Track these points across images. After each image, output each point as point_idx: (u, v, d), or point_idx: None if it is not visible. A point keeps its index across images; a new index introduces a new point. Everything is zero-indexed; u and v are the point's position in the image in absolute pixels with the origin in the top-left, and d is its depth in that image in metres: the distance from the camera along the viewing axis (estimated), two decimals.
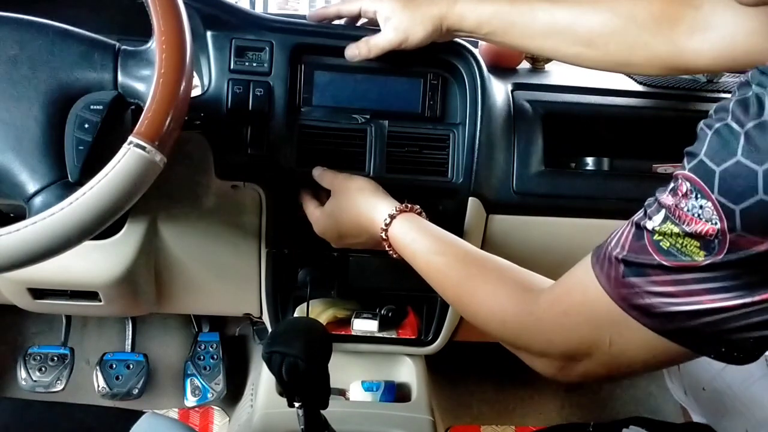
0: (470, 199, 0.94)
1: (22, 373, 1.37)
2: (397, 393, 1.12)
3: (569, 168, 1.02)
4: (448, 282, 0.72)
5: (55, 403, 0.91)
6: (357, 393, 1.10)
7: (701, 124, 0.49)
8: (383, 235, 0.78)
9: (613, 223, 0.99)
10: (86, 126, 0.66)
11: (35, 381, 1.36)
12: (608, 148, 1.03)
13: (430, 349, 1.08)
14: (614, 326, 0.53)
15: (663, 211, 0.49)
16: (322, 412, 0.74)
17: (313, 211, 0.89)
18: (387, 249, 0.79)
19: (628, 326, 0.52)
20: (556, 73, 1.12)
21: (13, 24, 0.69)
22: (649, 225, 0.50)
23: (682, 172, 0.48)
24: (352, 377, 1.12)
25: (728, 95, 1.06)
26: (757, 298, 0.46)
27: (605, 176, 1.01)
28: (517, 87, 1.00)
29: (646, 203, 0.53)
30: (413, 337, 1.08)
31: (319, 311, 1.06)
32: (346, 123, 0.92)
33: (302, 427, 0.73)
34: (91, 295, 1.01)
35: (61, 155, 0.66)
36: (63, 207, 0.60)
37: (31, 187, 0.65)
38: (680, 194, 0.48)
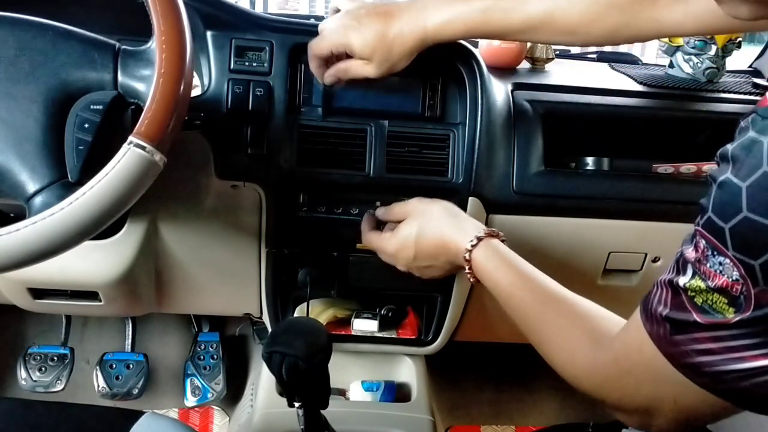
0: (470, 199, 0.94)
1: (22, 373, 1.37)
2: (397, 393, 1.12)
3: (569, 168, 1.03)
4: (526, 321, 0.71)
5: (54, 403, 0.91)
6: (357, 393, 1.10)
7: (708, 174, 0.48)
8: (467, 256, 0.77)
9: (612, 223, 1.00)
10: (86, 126, 0.66)
11: (35, 381, 1.36)
12: (608, 148, 1.03)
13: (430, 349, 1.08)
14: (674, 385, 0.52)
15: (690, 267, 0.48)
16: (322, 412, 0.74)
17: (377, 238, 0.87)
18: (466, 271, 0.78)
19: (686, 385, 0.50)
20: (556, 73, 1.12)
21: (13, 24, 0.69)
22: (681, 282, 0.49)
23: (698, 228, 0.48)
24: (352, 377, 1.12)
25: (728, 95, 1.07)
26: None
27: (605, 176, 1.01)
28: (517, 87, 1.00)
29: (676, 256, 0.51)
30: (413, 337, 1.08)
31: (319, 311, 1.06)
32: (346, 123, 0.92)
33: (302, 427, 0.73)
34: (91, 295, 1.01)
35: (61, 155, 0.66)
36: (63, 207, 0.60)
37: (31, 186, 0.65)
38: (700, 250, 0.47)
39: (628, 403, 0.58)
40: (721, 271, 0.45)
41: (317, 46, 0.86)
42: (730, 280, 0.45)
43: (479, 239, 0.76)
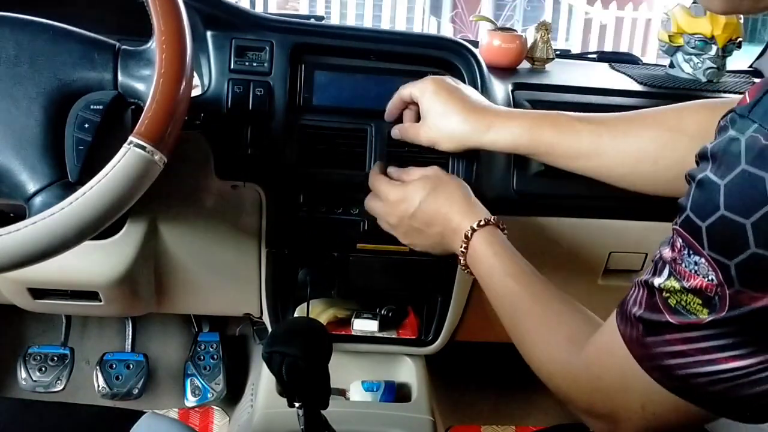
0: None
1: (22, 373, 1.37)
2: (397, 393, 1.12)
3: None
4: (513, 312, 0.70)
5: (54, 403, 0.91)
6: (357, 393, 1.10)
7: (687, 173, 0.48)
8: (468, 233, 0.75)
9: (612, 223, 1.00)
10: (86, 126, 0.67)
11: (35, 381, 1.36)
12: None
13: (430, 349, 1.08)
14: (643, 390, 0.51)
15: (667, 267, 0.48)
16: (322, 412, 0.74)
17: (385, 183, 0.85)
18: (460, 250, 0.76)
19: (656, 390, 0.50)
20: (556, 73, 1.12)
21: (13, 24, 0.70)
22: (656, 282, 0.49)
23: (676, 227, 0.48)
24: (352, 377, 1.12)
25: (727, 95, 1.07)
26: None
27: None
28: (517, 87, 1.00)
29: (653, 258, 0.51)
30: (413, 337, 1.08)
31: (319, 311, 1.06)
32: (346, 123, 0.92)
33: (302, 427, 0.73)
34: (91, 295, 1.01)
35: (61, 155, 0.66)
36: (63, 207, 0.60)
37: (31, 186, 0.66)
38: (677, 249, 0.47)
39: (598, 408, 0.57)
40: (696, 271, 0.45)
41: (403, 89, 0.86)
42: (706, 280, 0.44)
43: (487, 222, 0.76)
